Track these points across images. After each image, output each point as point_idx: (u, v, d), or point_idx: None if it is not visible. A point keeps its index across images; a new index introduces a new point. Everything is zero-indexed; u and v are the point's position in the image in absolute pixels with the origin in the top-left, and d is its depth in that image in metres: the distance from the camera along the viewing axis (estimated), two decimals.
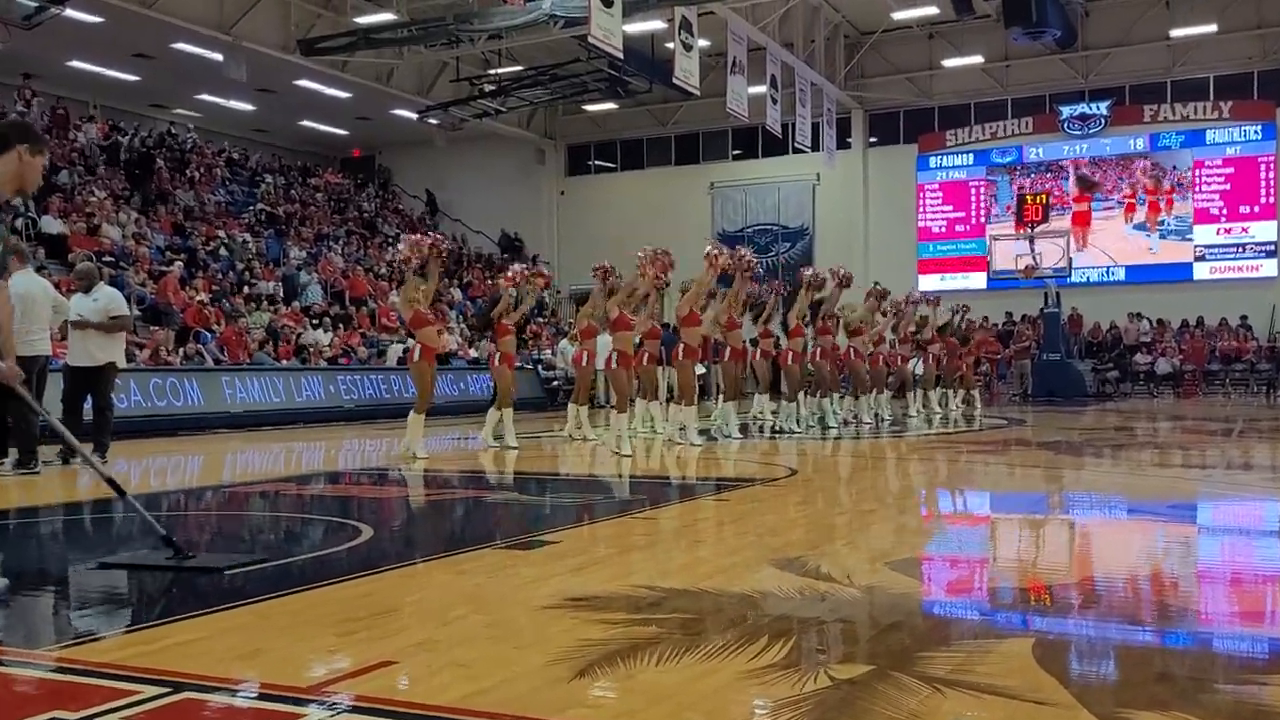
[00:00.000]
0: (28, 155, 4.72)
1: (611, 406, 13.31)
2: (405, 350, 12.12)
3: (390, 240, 33.21)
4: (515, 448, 13.07)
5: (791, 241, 36.13)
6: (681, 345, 13.50)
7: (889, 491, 9.05)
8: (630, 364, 13.12)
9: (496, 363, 13.31)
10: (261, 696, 3.51)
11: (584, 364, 14.54)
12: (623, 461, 11.52)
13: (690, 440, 13.00)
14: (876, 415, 17.79)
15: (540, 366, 26.35)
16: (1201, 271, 31.92)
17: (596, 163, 39.59)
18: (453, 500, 8.94)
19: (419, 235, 12.30)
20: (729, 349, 14.65)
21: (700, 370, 16.37)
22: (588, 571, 5.36)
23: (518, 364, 15.02)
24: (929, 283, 34.42)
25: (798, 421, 15.71)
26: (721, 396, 15.44)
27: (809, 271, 16.08)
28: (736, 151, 37.53)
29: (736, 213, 36.90)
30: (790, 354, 14.96)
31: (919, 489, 9.44)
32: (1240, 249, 31.67)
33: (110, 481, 5.52)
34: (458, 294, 31.28)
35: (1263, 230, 31.52)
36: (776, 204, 36.41)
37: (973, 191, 34.23)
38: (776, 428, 15.30)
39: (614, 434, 12.15)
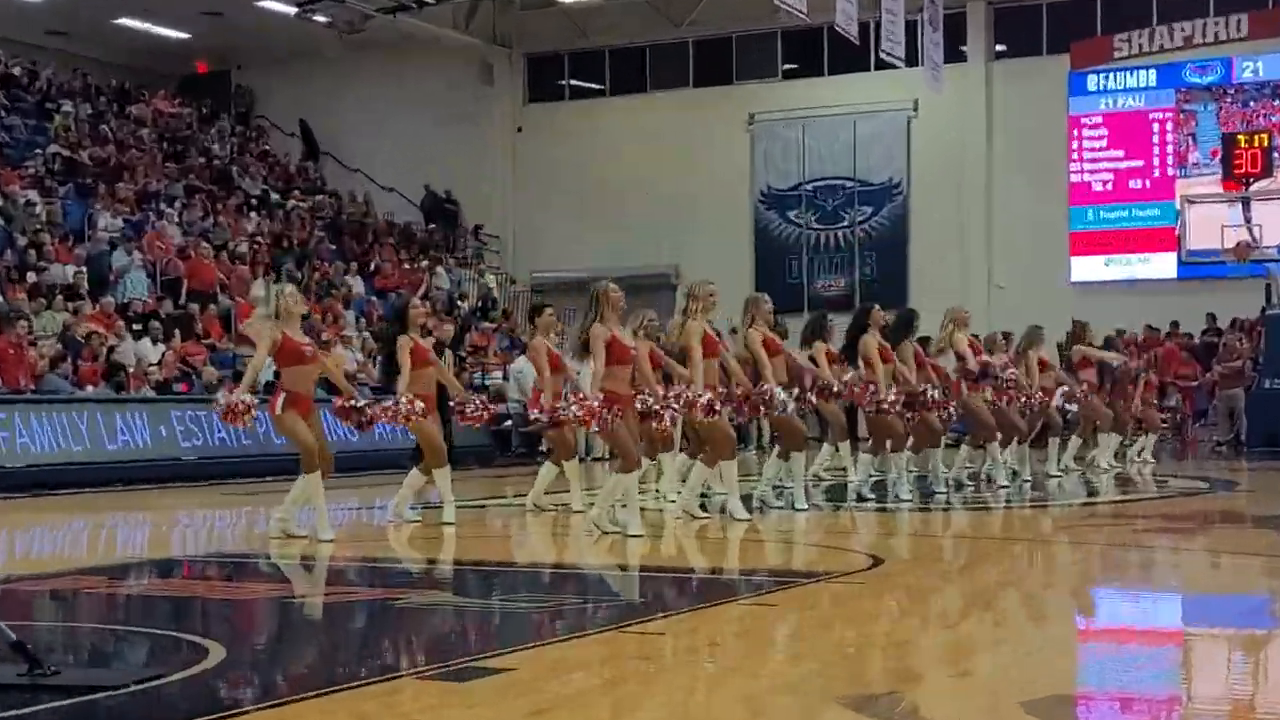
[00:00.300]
0: None
1: (599, 461, 13.34)
2: (269, 387, 12.08)
3: (255, 202, 33.33)
4: (450, 523, 13.11)
5: (874, 205, 36.28)
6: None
7: (1022, 592, 9.06)
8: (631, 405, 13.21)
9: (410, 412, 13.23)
10: None
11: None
12: (626, 544, 11.53)
13: (734, 513, 13.08)
14: (1014, 473, 17.89)
15: (484, 396, 26.35)
16: None
17: (573, 83, 39.74)
18: (351, 603, 8.95)
19: None
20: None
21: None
22: (554, 717, 5.39)
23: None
24: (1086, 269, 34.55)
25: (889, 485, 15.77)
26: (775, 448, 15.48)
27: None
28: (789, 66, 37.66)
29: (789, 160, 37.05)
30: (871, 386, 15.03)
31: (1069, 588, 9.43)
32: None
33: None
34: (357, 285, 31.39)
35: None
36: (851, 147, 36.55)
37: (1155, 128, 34.37)
38: (858, 494, 15.35)
39: (604, 503, 12.18)
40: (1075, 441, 20.81)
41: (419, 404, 12.90)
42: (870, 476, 15.97)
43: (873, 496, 15.33)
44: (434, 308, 29.74)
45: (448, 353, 18.37)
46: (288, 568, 10.89)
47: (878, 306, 15.80)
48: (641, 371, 12.36)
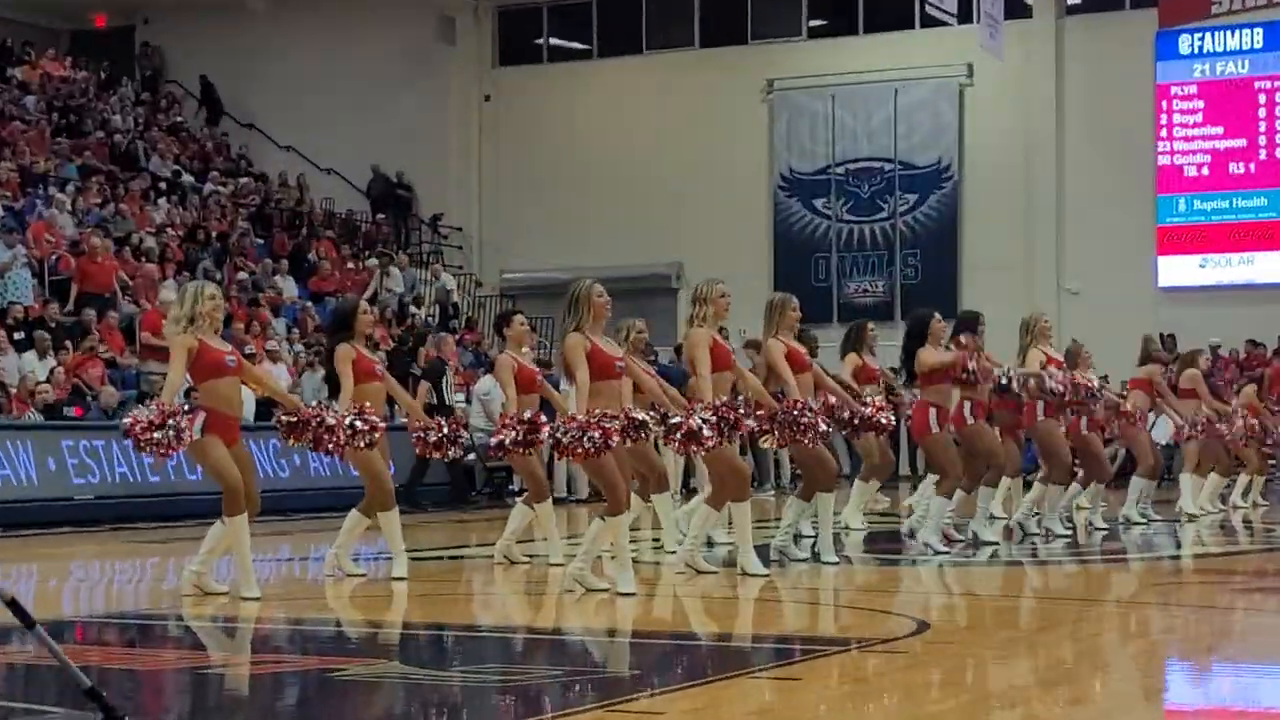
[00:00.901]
0: None
1: (582, 504, 13.36)
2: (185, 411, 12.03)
3: (165, 186, 33.29)
4: (401, 577, 13.10)
5: (919, 192, 36.31)
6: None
7: (1099, 665, 9.05)
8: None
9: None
10: None
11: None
12: (616, 604, 11.51)
13: (745, 567, 13.07)
14: (1089, 522, 17.99)
15: (454, 419, 26.34)
16: None
17: (553, 42, 39.79)
18: (279, 675, 8.93)
19: None
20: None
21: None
22: None
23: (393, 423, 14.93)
24: (1177, 271, 34.54)
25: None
26: (796, 487, 15.50)
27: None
28: (816, 23, 37.74)
29: (816, 137, 37.09)
30: (934, 411, 15.01)
31: (1154, 659, 9.42)
32: None
33: (13, 605, 6.69)
34: (289, 288, 31.38)
35: None
36: (890, 122, 36.60)
37: (1262, 100, 34.41)
38: (926, 544, 15.33)
39: (588, 554, 12.15)
40: (1212, 480, 20.87)
41: (372, 419, 12.81)
42: (945, 520, 15.82)
43: (947, 549, 15.20)
44: (382, 315, 29.77)
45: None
46: (203, 631, 10.86)
47: (938, 315, 15.69)
48: (644, 385, 12.30)
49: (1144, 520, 19.17)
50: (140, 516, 20.77)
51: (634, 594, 11.70)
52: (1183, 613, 11.71)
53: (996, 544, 15.76)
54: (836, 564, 14.01)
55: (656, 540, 15.50)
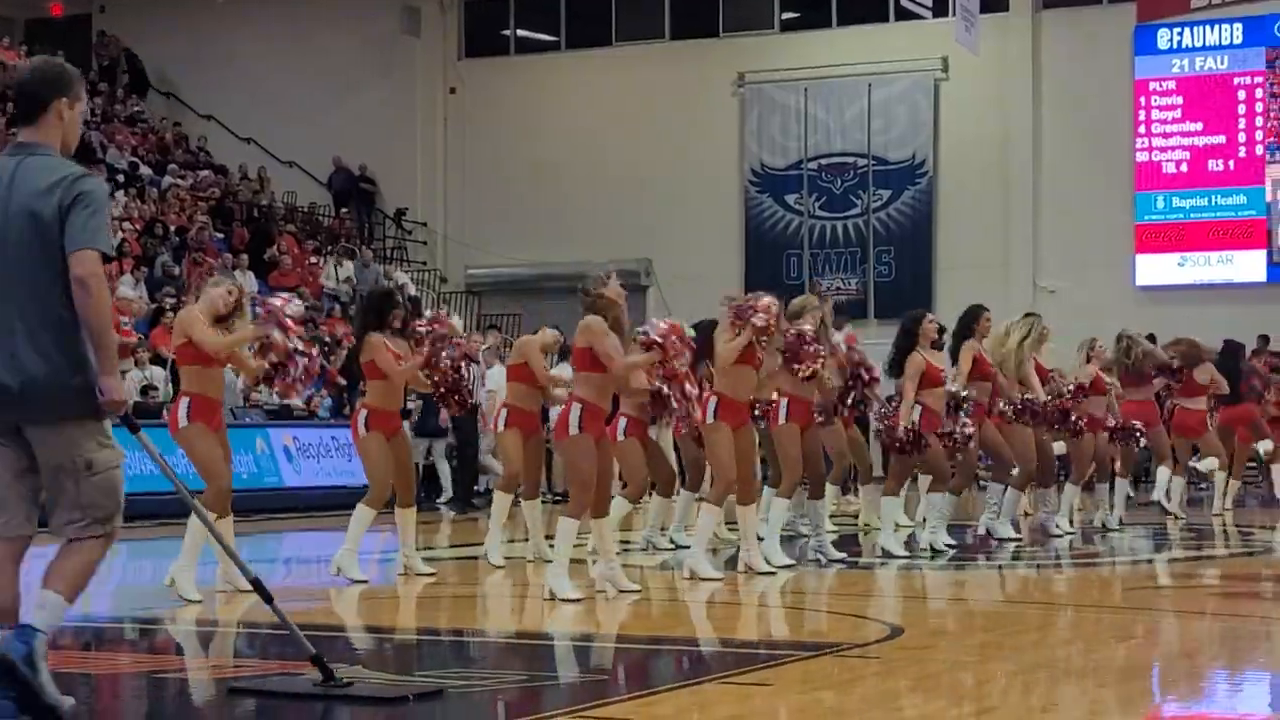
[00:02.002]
0: (68, 110, 7.01)
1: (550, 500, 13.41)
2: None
3: (123, 179, 33.20)
4: (429, 573, 13.43)
5: (893, 188, 36.35)
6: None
7: (1072, 671, 9.09)
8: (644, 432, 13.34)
9: (363, 431, 13.27)
10: None
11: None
12: (609, 605, 11.53)
13: (753, 566, 13.15)
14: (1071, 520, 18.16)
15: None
16: None
17: (519, 33, 39.74)
18: (235, 679, 8.94)
19: None
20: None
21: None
22: None
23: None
24: (1155, 270, 34.64)
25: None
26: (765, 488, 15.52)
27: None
28: (788, 16, 37.75)
29: (788, 133, 37.11)
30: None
31: (1129, 665, 9.49)
32: None
33: (255, 583, 7.92)
34: (249, 283, 31.29)
35: None
36: (864, 116, 36.63)
37: (1241, 96, 34.52)
38: (931, 542, 15.36)
39: (563, 554, 12.14)
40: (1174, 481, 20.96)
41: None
42: (941, 522, 15.84)
43: (948, 546, 15.32)
44: (344, 309, 29.70)
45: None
46: (159, 635, 10.85)
47: (930, 315, 15.79)
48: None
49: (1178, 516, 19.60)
50: None
51: (578, 600, 11.65)
52: (1159, 617, 11.75)
53: (902, 555, 15.56)
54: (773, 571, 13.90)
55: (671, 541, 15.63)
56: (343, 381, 27.31)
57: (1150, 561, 16.36)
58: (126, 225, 30.42)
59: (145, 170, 34.60)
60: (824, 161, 36.77)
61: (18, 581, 6.96)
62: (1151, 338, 22.70)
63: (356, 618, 11.93)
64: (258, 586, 7.85)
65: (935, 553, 15.23)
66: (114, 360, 6.91)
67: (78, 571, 6.93)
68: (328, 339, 29.01)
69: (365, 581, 13.26)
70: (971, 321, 16.29)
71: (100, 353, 6.80)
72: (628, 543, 16.19)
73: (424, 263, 37.91)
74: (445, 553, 16.98)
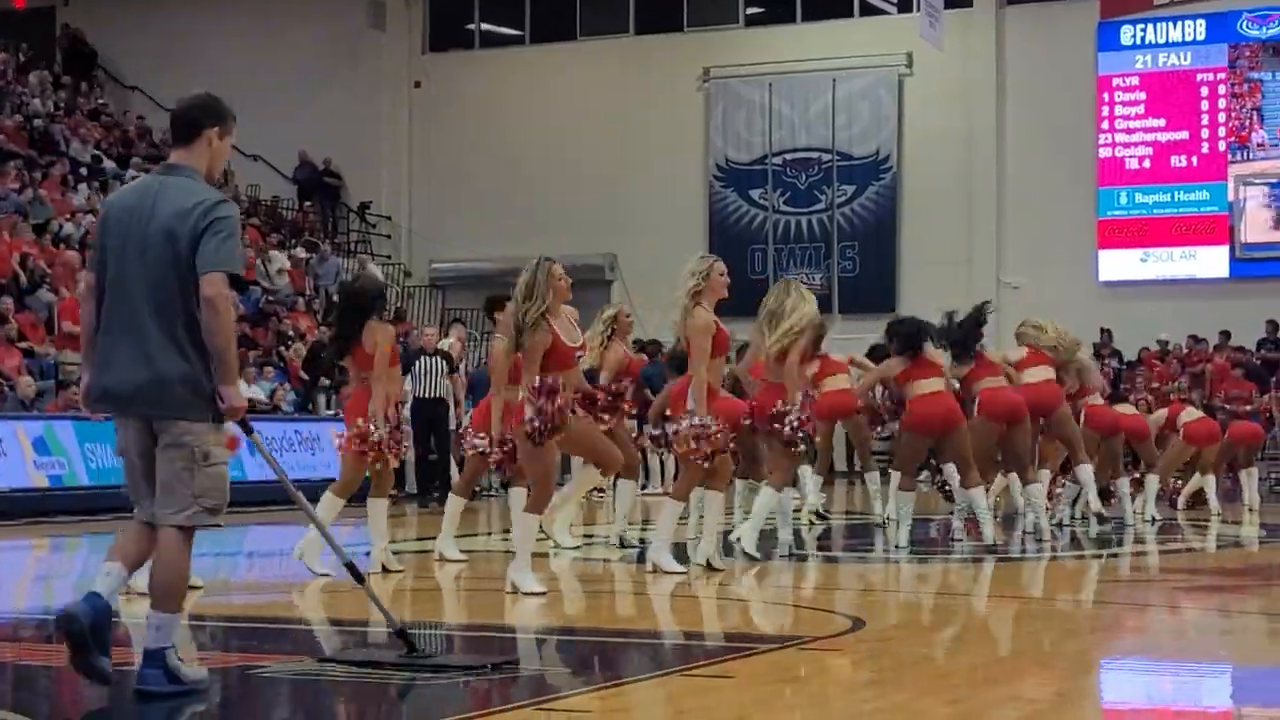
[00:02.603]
0: (218, 139, 7.69)
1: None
2: None
3: (86, 171, 33.06)
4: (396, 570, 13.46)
5: (857, 183, 36.41)
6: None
7: (1034, 662, 9.10)
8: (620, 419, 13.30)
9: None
10: None
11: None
12: (572, 598, 11.50)
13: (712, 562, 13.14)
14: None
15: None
16: None
17: (484, 27, 39.72)
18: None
19: None
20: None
21: None
22: None
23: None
24: (1118, 266, 34.75)
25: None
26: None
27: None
28: (753, 10, 37.80)
29: (753, 128, 37.14)
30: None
31: (1090, 659, 9.51)
32: None
33: (350, 567, 8.51)
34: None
35: None
36: (829, 112, 36.67)
37: (1204, 92, 34.63)
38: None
39: (524, 549, 12.11)
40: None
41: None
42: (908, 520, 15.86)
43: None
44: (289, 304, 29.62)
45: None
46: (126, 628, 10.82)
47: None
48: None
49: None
50: (60, 510, 20.63)
51: (541, 593, 11.63)
52: (1120, 610, 11.78)
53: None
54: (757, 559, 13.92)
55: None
56: (304, 376, 27.29)
57: (1116, 555, 16.39)
58: (90, 217, 30.30)
59: (109, 164, 34.46)
60: (789, 156, 36.82)
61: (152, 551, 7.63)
62: (1109, 334, 22.76)
63: (320, 610, 11.89)
64: (351, 569, 8.49)
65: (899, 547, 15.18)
66: (234, 371, 7.55)
67: (172, 566, 7.52)
68: (291, 332, 29.06)
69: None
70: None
71: (221, 365, 7.40)
72: (590, 536, 16.20)
73: (388, 256, 37.87)
74: (409, 545, 16.94)
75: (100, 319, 7.57)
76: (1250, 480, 22.74)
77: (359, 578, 8.55)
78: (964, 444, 15.50)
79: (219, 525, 7.70)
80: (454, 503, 14.62)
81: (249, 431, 8.09)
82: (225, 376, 7.44)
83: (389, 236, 38.95)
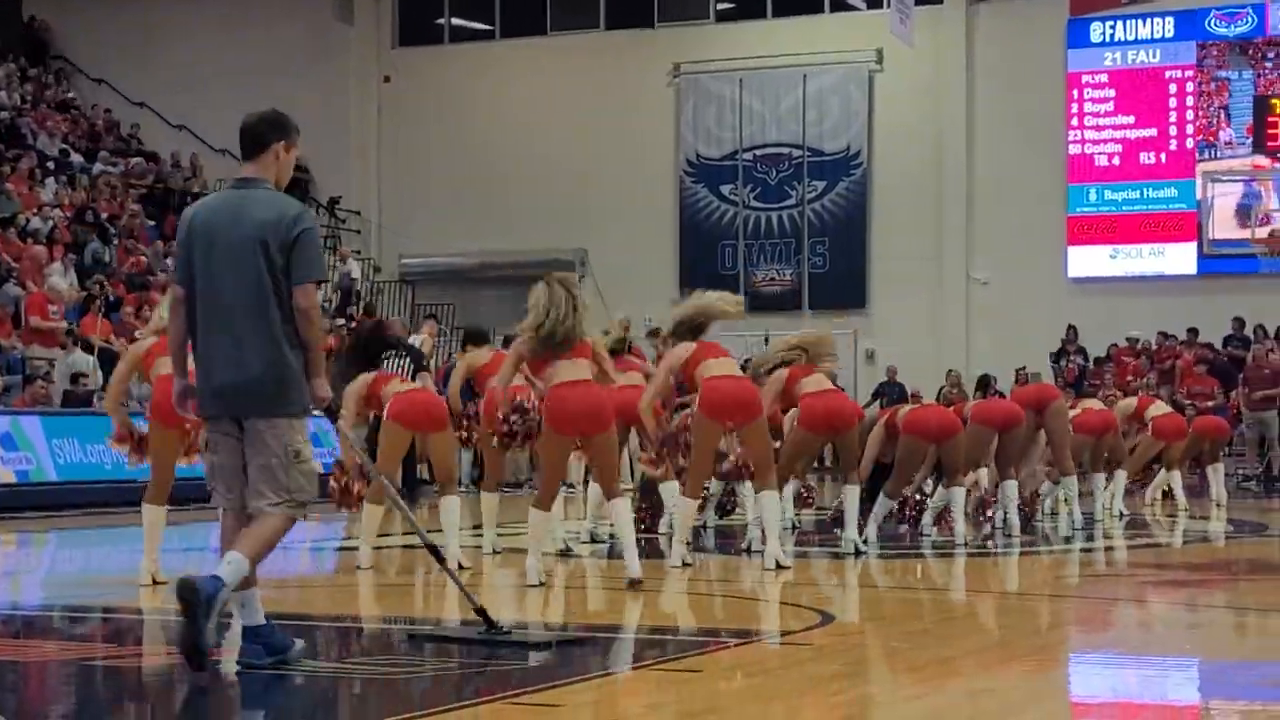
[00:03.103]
0: (284, 153, 8.39)
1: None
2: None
3: (53, 165, 32.96)
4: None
5: (828, 179, 36.44)
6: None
7: (1004, 656, 9.13)
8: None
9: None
10: None
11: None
12: (528, 596, 11.52)
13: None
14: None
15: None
16: None
17: (454, 22, 39.65)
18: (156, 667, 8.90)
19: None
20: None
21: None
22: None
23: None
24: (1087, 262, 34.83)
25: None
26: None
27: None
28: (724, 6, 37.77)
29: (723, 123, 37.14)
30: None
31: (1060, 653, 9.53)
32: None
33: (431, 548, 9.18)
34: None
35: None
36: (799, 107, 36.69)
37: (1173, 90, 34.72)
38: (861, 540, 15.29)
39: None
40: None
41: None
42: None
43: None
44: None
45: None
46: (86, 623, 10.80)
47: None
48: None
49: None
50: (27, 506, 20.58)
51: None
52: (1088, 605, 11.82)
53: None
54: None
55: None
56: None
57: (1087, 550, 16.43)
58: (57, 212, 30.23)
59: (76, 157, 34.38)
60: (759, 152, 36.82)
61: None
62: (1074, 330, 22.84)
63: (282, 605, 11.88)
64: (433, 551, 9.16)
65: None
66: (323, 365, 8.19)
67: (264, 539, 7.96)
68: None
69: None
70: None
71: (312, 362, 8.07)
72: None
73: (358, 251, 37.79)
74: (387, 541, 16.90)
75: (194, 326, 8.13)
76: (1216, 475, 22.81)
77: (440, 559, 9.27)
78: (960, 446, 15.63)
79: (306, 518, 8.32)
80: (488, 500, 14.66)
81: (334, 420, 8.81)
82: (314, 369, 8.08)
83: (358, 231, 38.87)
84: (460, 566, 13.06)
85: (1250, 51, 34.19)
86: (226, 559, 7.87)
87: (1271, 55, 34.09)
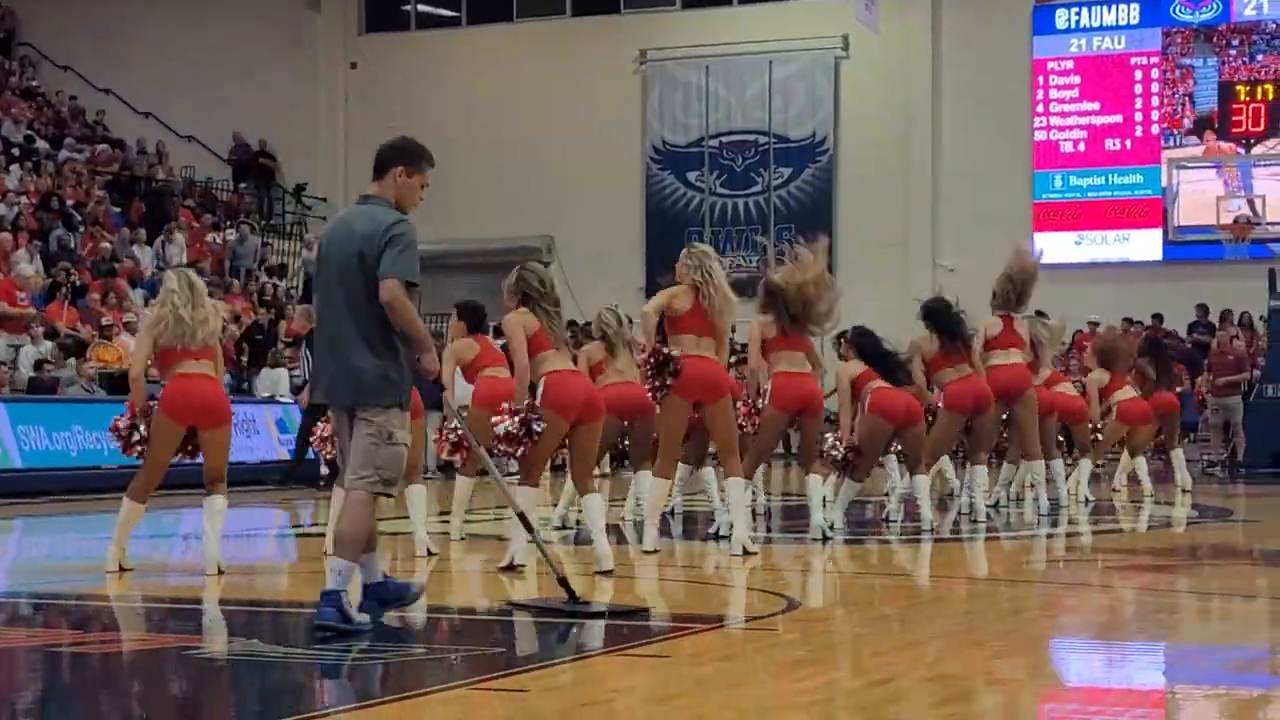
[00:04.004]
0: (403, 176, 9.22)
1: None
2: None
3: (18, 152, 32.85)
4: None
5: (794, 165, 36.48)
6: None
7: (969, 642, 9.16)
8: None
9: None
10: None
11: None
12: (508, 580, 11.51)
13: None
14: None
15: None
16: None
17: (420, 8, 39.61)
18: (132, 654, 8.87)
19: None
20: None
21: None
22: None
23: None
24: (1052, 248, 34.90)
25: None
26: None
27: None
28: None
29: (689, 110, 37.14)
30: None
31: (1026, 637, 9.58)
32: None
33: (521, 517, 10.16)
34: (146, 258, 31.05)
35: None
36: (765, 94, 36.71)
37: (1138, 77, 34.81)
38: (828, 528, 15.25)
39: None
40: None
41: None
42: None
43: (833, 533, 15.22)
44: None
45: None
46: (57, 609, 10.79)
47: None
48: None
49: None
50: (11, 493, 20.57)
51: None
52: (1054, 590, 11.85)
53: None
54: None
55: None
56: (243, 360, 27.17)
57: (1050, 536, 16.47)
58: (22, 199, 30.13)
59: (41, 144, 34.26)
60: (725, 139, 36.84)
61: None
62: (1042, 315, 22.73)
63: (249, 592, 11.87)
64: (523, 519, 10.15)
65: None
66: (429, 342, 9.08)
67: (349, 518, 8.91)
68: (226, 314, 28.89)
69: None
70: None
71: (417, 342, 8.96)
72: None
73: None
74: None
75: (317, 328, 9.34)
76: (1179, 461, 22.84)
77: (530, 528, 10.15)
78: (921, 434, 15.61)
79: (391, 495, 9.03)
80: (463, 484, 14.64)
81: (442, 391, 9.60)
82: (422, 346, 9.00)
83: (325, 219, 38.70)
84: (429, 553, 13.08)
85: (1215, 38, 34.28)
86: (328, 566, 8.96)
87: (1236, 42, 34.21)
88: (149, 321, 11.96)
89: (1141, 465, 21.35)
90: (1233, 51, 34.21)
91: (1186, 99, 34.37)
